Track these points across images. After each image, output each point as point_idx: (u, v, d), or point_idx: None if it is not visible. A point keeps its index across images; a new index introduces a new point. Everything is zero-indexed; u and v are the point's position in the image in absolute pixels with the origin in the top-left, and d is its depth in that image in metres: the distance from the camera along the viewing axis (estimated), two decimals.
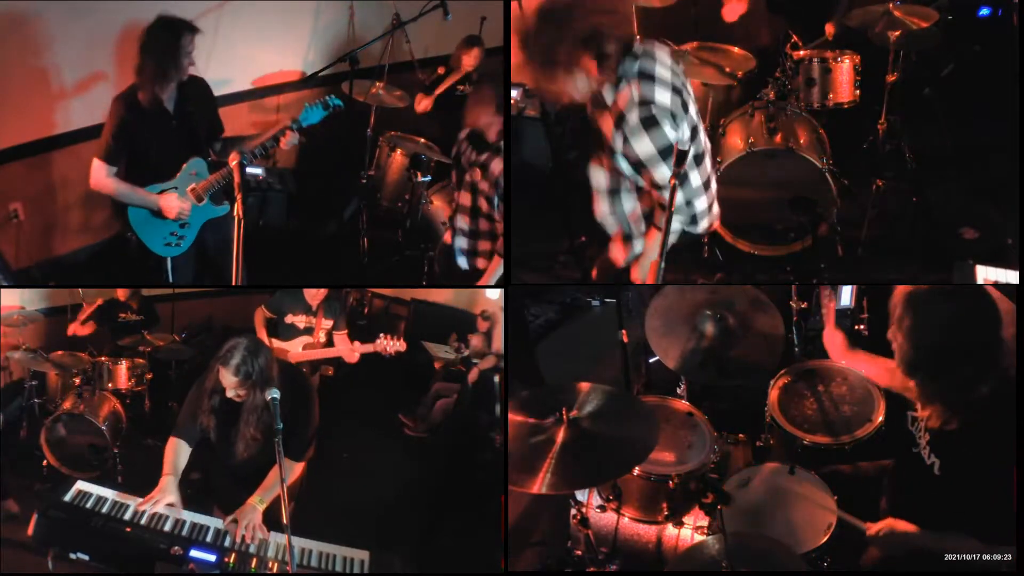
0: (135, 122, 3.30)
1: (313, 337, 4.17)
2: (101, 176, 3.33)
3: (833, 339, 3.02)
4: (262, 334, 4.16)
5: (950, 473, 2.33)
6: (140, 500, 2.66)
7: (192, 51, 3.32)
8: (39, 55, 3.79)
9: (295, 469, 2.86)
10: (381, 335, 4.13)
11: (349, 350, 4.15)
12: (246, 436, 2.74)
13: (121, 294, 4.67)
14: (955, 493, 2.31)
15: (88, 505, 2.64)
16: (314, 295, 4.13)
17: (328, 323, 4.18)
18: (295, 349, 4.13)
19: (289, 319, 4.16)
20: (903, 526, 2.41)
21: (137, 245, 3.45)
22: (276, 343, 4.12)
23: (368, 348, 4.13)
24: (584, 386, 2.73)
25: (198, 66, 3.46)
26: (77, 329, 4.56)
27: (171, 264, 3.50)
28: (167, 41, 3.24)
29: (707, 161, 2.76)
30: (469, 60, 4.93)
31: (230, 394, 2.69)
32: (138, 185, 3.38)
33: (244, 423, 2.73)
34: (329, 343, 4.20)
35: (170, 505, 2.65)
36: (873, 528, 2.47)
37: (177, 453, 2.78)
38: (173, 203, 3.39)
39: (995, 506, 2.29)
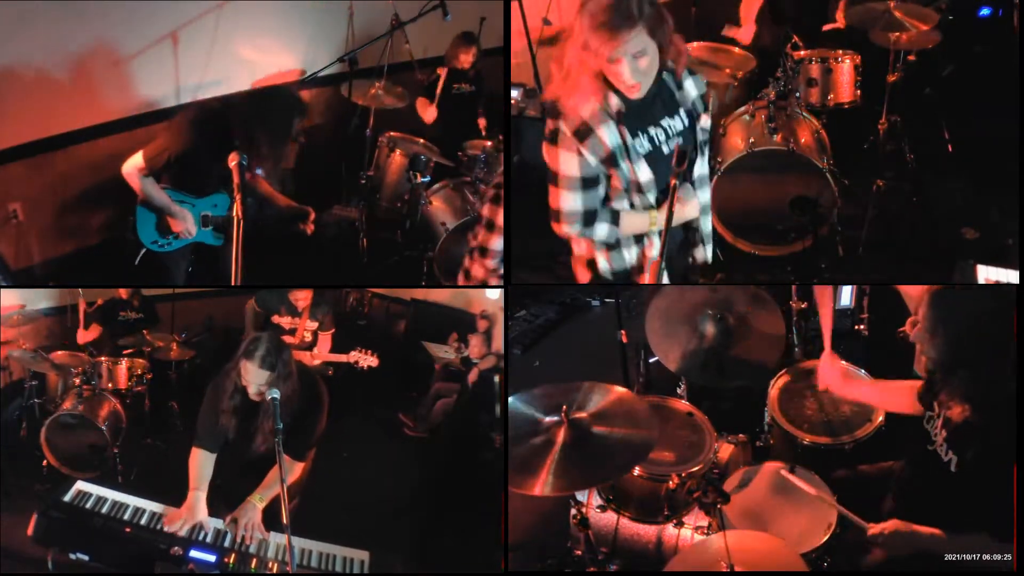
0: (197, 152, 3.21)
1: (295, 338, 4.19)
2: (136, 173, 3.25)
3: (829, 370, 2.88)
4: (250, 327, 4.19)
5: (968, 470, 2.30)
6: (166, 516, 2.66)
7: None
8: (39, 55, 3.78)
9: (295, 469, 2.86)
10: (357, 348, 4.23)
11: (324, 355, 4.24)
12: (264, 431, 2.74)
13: (122, 292, 4.67)
14: (972, 490, 2.29)
15: (88, 505, 2.65)
16: (301, 298, 4.15)
17: (313, 325, 4.24)
18: None
19: (275, 319, 4.21)
20: (907, 527, 2.38)
21: (136, 245, 3.45)
22: None
23: (341, 358, 4.24)
24: (585, 385, 2.71)
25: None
26: (83, 335, 4.56)
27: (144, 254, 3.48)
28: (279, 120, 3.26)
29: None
30: (467, 58, 4.93)
31: (252, 391, 2.67)
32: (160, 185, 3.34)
33: (264, 420, 2.73)
34: (314, 343, 4.26)
35: (200, 525, 2.65)
36: (875, 528, 2.43)
37: (202, 465, 2.77)
38: (183, 220, 3.39)
39: (1013, 504, 2.26)
